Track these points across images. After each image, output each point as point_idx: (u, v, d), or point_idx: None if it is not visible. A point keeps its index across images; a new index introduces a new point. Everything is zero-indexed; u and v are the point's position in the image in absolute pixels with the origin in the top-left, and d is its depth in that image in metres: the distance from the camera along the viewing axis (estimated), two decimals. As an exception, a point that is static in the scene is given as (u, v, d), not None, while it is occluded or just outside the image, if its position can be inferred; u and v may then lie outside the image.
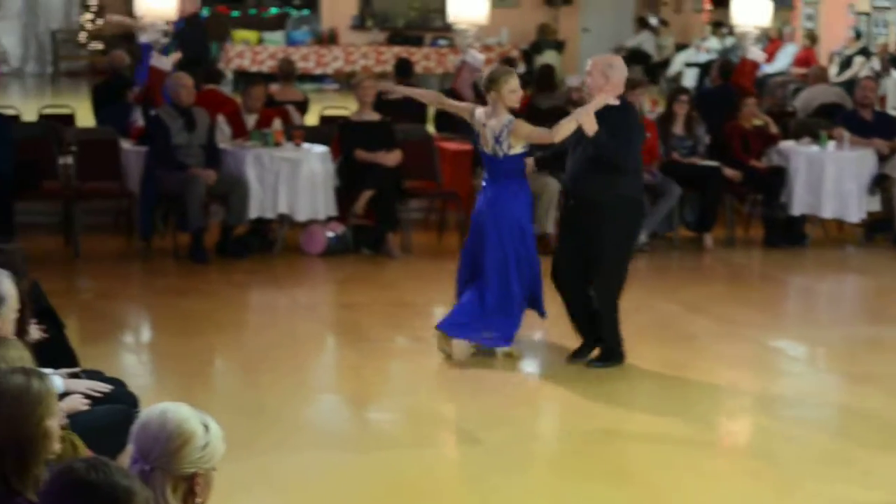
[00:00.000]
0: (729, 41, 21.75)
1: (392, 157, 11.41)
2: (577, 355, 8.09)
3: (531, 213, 8.20)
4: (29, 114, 13.79)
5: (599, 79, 7.70)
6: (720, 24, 22.62)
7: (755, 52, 13.60)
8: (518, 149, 7.90)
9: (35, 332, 5.49)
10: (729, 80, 13.59)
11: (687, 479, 6.26)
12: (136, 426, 3.31)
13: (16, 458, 3.43)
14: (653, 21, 24.32)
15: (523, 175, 8.03)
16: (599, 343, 8.07)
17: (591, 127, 7.51)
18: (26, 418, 3.46)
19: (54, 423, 3.54)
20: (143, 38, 14.41)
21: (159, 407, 3.33)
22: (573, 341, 8.16)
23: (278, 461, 6.31)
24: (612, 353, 8.04)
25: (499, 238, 7.93)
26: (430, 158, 12.11)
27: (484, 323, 7.97)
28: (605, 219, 7.74)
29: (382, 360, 8.39)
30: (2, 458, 3.42)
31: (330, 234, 11.30)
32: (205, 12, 23.12)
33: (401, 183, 11.59)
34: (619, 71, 7.77)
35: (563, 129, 7.65)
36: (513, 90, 7.88)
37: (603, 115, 7.59)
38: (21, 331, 4.88)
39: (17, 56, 24.03)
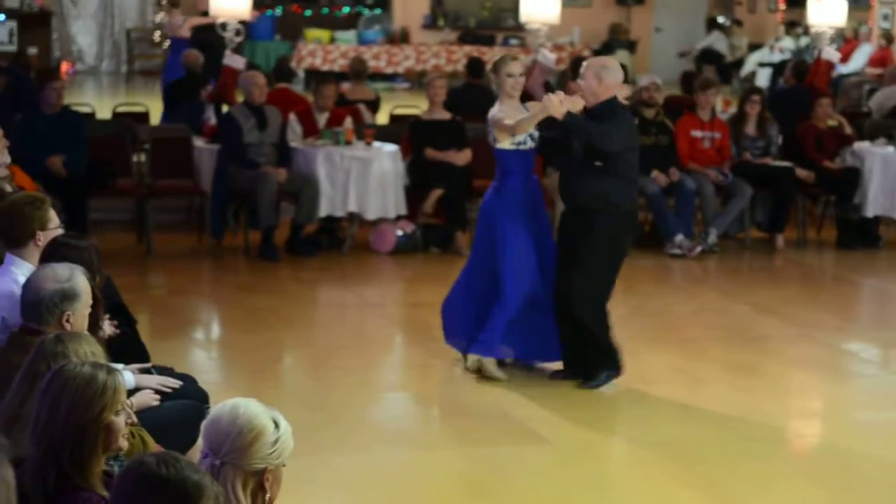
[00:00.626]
0: (803, 41, 21.55)
1: (462, 157, 11.41)
2: (558, 374, 7.74)
3: (522, 217, 7.66)
4: (103, 111, 13.94)
5: (592, 81, 7.35)
6: (795, 24, 22.41)
7: (830, 53, 13.47)
8: (505, 143, 7.57)
9: (108, 327, 5.55)
10: (803, 80, 13.46)
11: (755, 482, 6.21)
12: (207, 421, 3.32)
13: (73, 450, 3.46)
14: (722, 20, 24.14)
15: (517, 173, 7.64)
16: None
17: (557, 110, 7.14)
18: (85, 409, 3.48)
19: (119, 420, 3.56)
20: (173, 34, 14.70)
21: (230, 402, 3.34)
22: (648, 345, 8.12)
23: (344, 457, 6.34)
24: (600, 368, 7.54)
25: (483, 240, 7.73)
26: (500, 158, 12.08)
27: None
28: (591, 228, 7.38)
29: (449, 360, 8.38)
30: (59, 449, 3.45)
31: (399, 232, 11.33)
32: (278, 11, 23.34)
33: (470, 181, 11.59)
34: (613, 73, 7.39)
35: (524, 124, 7.36)
36: (509, 74, 7.57)
37: (593, 116, 7.32)
38: (94, 326, 4.93)
39: (92, 54, 24.32)
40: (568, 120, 7.19)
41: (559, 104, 7.15)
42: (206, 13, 16.23)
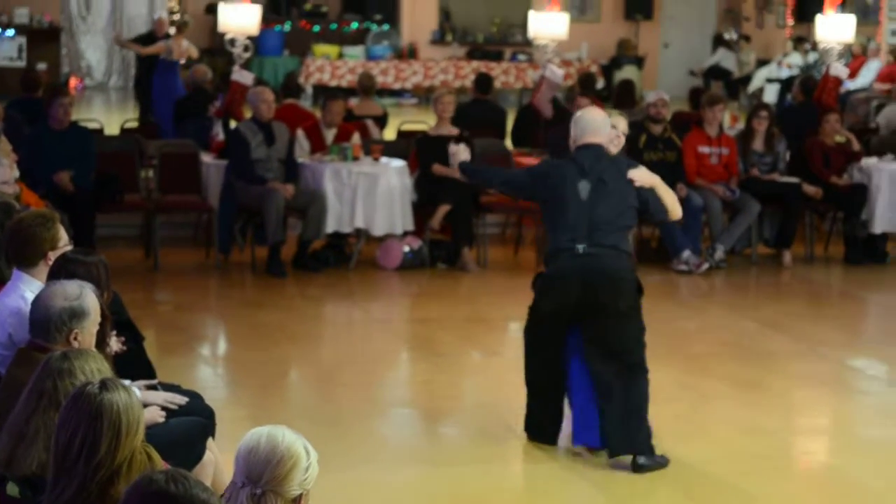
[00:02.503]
0: (811, 57, 21.54)
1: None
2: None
3: None
4: (112, 127, 13.98)
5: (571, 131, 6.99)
6: (803, 40, 22.41)
7: (838, 69, 13.48)
8: None
9: (115, 344, 5.56)
10: (811, 96, 13.46)
11: (759, 498, 6.21)
12: (243, 451, 3.37)
13: (109, 478, 3.46)
14: (728, 37, 24.16)
15: None
16: None
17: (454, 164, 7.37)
18: (133, 437, 3.50)
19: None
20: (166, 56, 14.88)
21: (264, 430, 3.40)
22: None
23: (351, 473, 6.34)
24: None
25: None
26: (508, 173, 12.09)
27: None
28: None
29: (457, 376, 8.40)
30: (94, 474, 3.45)
31: (406, 248, 11.34)
32: (286, 27, 23.39)
33: (477, 198, 11.61)
34: (577, 124, 6.89)
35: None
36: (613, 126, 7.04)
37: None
38: (101, 343, 4.94)
39: (100, 70, 24.38)
40: (464, 171, 7.29)
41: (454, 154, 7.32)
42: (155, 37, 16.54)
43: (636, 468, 6.46)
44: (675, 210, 6.94)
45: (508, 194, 7.32)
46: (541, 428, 6.87)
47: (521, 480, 6.63)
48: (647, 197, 6.81)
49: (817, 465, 7.06)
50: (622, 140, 7.08)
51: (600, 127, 6.86)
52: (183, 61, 15.74)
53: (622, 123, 7.13)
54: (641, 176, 6.84)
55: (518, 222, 12.45)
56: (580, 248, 6.63)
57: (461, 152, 7.22)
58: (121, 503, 3.05)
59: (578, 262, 6.63)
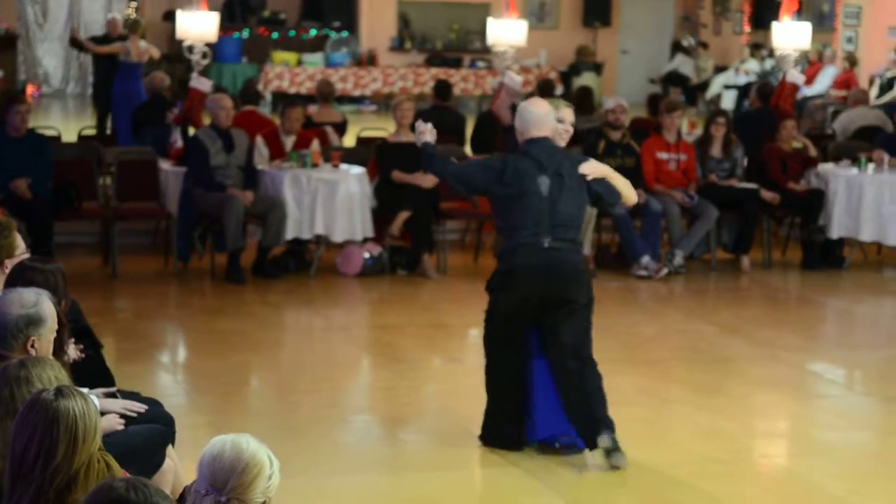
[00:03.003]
0: (768, 63, 21.69)
1: (429, 179, 11.42)
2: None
3: None
4: (69, 135, 13.90)
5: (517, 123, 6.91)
6: (759, 47, 22.56)
7: (795, 75, 13.56)
8: None
9: (73, 351, 5.53)
10: (768, 102, 13.55)
11: (718, 502, 6.23)
12: (207, 457, 3.38)
13: (66, 486, 3.44)
14: (686, 43, 24.30)
15: None
16: None
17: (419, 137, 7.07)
18: (90, 443, 3.48)
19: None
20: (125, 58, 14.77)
21: (227, 438, 3.41)
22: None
23: (312, 482, 6.32)
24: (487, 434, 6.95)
25: None
26: (467, 180, 12.09)
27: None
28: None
29: (417, 382, 8.40)
30: (52, 480, 3.43)
31: (366, 255, 11.33)
32: (245, 34, 23.33)
33: (437, 204, 11.61)
34: (521, 116, 6.86)
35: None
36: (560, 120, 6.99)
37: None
38: (59, 350, 4.91)
39: (58, 77, 24.25)
40: (424, 150, 7.02)
41: (422, 132, 7.04)
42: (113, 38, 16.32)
43: (609, 455, 6.52)
44: (630, 195, 6.98)
45: (458, 190, 7.02)
46: (500, 434, 6.87)
47: (481, 486, 6.63)
48: (598, 189, 6.83)
49: (776, 468, 7.10)
50: (570, 132, 7.02)
51: (544, 120, 6.81)
52: (146, 60, 15.55)
53: (569, 115, 7.01)
54: (593, 168, 6.87)
55: (478, 228, 12.46)
56: (545, 242, 6.65)
57: (427, 133, 7.10)
58: (80, 510, 3.03)
59: (543, 257, 6.64)
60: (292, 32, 23.88)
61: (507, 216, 6.77)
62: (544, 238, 6.66)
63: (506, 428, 6.85)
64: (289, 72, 22.36)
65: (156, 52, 15.78)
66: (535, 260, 6.64)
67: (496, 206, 6.88)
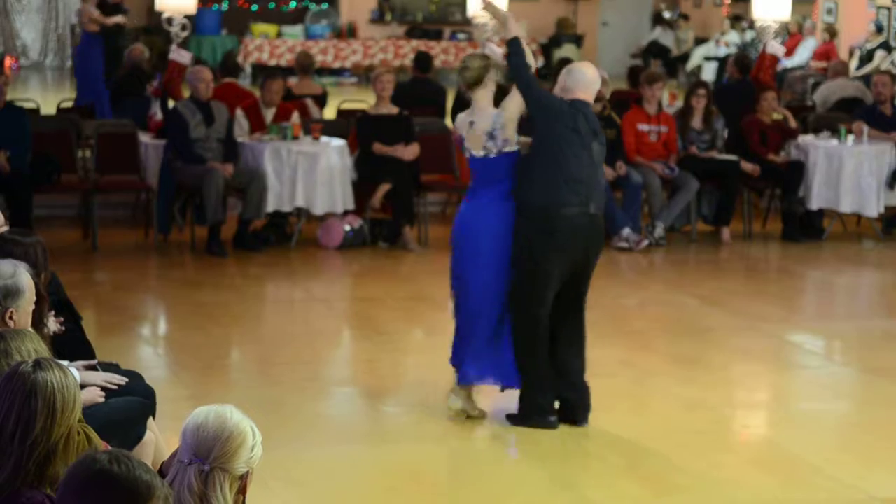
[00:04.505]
0: (749, 35, 21.69)
1: (410, 151, 11.41)
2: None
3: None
4: (48, 107, 13.83)
5: (556, 88, 6.86)
6: (740, 18, 22.56)
7: (775, 47, 13.56)
8: (513, 145, 6.80)
9: (53, 324, 5.52)
10: (747, 74, 13.55)
11: (699, 472, 6.26)
12: (190, 427, 3.38)
13: (45, 458, 3.44)
14: (668, 15, 24.29)
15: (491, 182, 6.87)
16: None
17: (512, 27, 6.85)
18: (69, 416, 3.47)
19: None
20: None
21: (212, 409, 3.41)
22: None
23: (293, 454, 6.33)
24: (522, 408, 6.81)
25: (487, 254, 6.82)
26: (448, 152, 12.11)
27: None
28: (516, 227, 6.77)
29: (398, 354, 8.41)
30: (31, 452, 3.42)
31: (347, 227, 11.31)
32: (224, 6, 23.23)
33: (418, 176, 11.60)
34: (574, 76, 6.80)
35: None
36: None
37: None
38: (38, 323, 4.90)
39: (36, 49, 24.12)
40: (510, 47, 6.76)
41: (515, 24, 6.88)
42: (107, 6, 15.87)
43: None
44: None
45: (528, 100, 6.61)
46: (542, 408, 6.75)
47: (464, 455, 6.64)
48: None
49: (756, 438, 7.12)
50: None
51: (592, 85, 6.81)
52: (95, 29, 15.12)
53: (606, 90, 7.03)
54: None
55: (459, 201, 12.43)
56: (592, 208, 6.66)
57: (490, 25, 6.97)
58: (62, 482, 3.02)
59: (588, 224, 6.65)
60: (272, 4, 23.80)
61: (544, 164, 6.57)
62: (592, 204, 6.66)
63: (541, 397, 6.76)
64: (269, 44, 22.29)
65: (116, 20, 15.22)
66: (581, 225, 6.62)
67: (546, 149, 6.60)
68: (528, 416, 6.79)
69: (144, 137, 11.77)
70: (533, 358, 6.74)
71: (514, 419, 6.84)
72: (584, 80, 6.79)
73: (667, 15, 24.29)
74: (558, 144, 6.64)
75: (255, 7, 23.64)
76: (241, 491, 3.42)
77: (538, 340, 6.73)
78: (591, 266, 6.79)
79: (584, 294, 6.84)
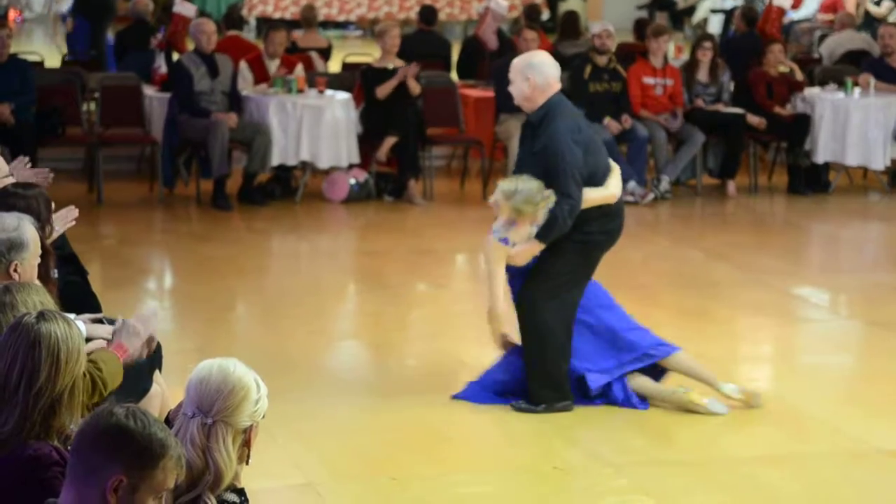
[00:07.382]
0: (755, -13, 21.54)
1: (414, 85, 11.33)
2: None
3: None
4: (52, 60, 13.79)
5: (522, 85, 6.33)
6: (747, -30, 22.40)
7: (781, -1, 13.50)
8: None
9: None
10: (754, 26, 13.48)
11: (704, 425, 6.27)
12: (194, 381, 3.39)
13: (49, 409, 3.45)
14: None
15: None
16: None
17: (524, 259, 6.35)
18: (73, 366, 3.48)
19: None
20: None
21: (215, 363, 3.42)
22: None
23: (299, 407, 6.34)
24: (533, 392, 6.46)
25: None
26: (454, 105, 12.08)
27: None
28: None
29: (403, 307, 8.41)
30: (35, 402, 3.43)
31: (352, 181, 11.30)
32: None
33: (423, 130, 11.57)
34: (541, 70, 6.33)
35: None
36: None
37: (533, 125, 6.39)
38: (45, 277, 4.89)
39: (40, 2, 24.02)
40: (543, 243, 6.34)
41: (524, 256, 6.33)
42: None
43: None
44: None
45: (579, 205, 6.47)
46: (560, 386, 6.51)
47: (469, 411, 6.65)
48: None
49: (761, 392, 7.12)
50: None
51: (556, 68, 6.46)
52: None
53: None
54: None
55: (464, 154, 12.42)
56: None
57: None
58: (77, 433, 3.02)
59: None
60: (276, -44, 23.63)
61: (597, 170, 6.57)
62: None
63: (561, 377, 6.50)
64: (273, -4, 22.16)
65: None
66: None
67: (597, 181, 6.61)
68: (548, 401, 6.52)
69: (149, 91, 11.74)
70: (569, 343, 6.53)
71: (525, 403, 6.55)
72: (551, 68, 6.38)
73: (673, -33, 24.13)
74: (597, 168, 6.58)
75: (259, -41, 23.48)
76: (246, 443, 3.43)
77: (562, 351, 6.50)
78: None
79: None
